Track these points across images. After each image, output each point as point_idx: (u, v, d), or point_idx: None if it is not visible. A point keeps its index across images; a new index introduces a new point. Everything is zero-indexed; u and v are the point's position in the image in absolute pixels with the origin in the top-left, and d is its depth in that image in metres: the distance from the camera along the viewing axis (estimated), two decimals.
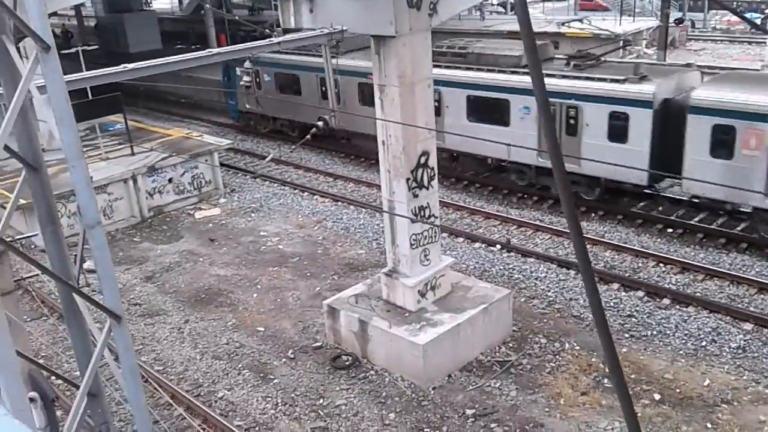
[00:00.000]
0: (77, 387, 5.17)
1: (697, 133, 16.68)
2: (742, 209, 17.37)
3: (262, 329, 15.09)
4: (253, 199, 22.79)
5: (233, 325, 15.36)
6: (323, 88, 25.63)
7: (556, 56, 21.13)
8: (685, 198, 18.64)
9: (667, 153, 17.40)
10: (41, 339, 14.84)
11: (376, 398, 12.64)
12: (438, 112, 20.41)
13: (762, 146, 15.70)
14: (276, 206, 22.04)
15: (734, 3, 48.20)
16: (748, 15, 47.02)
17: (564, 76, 18.97)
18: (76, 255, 5.52)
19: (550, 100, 15.36)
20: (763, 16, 45.34)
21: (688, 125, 16.84)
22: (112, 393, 11.60)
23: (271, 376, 13.46)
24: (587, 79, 18.66)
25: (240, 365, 13.87)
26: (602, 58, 20.07)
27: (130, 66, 8.12)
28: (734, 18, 47.38)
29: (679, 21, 42.53)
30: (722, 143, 16.35)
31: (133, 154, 22.49)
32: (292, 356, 14.03)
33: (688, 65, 21.03)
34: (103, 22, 44.44)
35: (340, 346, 14.10)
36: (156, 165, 21.94)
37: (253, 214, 21.59)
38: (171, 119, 31.75)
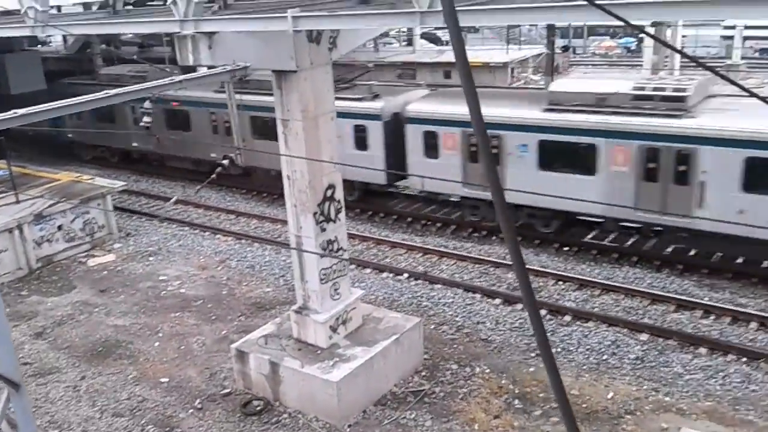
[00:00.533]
0: None
1: (413, 138, 20.74)
2: (452, 199, 21.81)
3: (166, 380, 14.41)
4: (151, 242, 21.93)
5: (134, 378, 14.58)
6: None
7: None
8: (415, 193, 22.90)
9: (398, 157, 21.04)
10: None
11: None
12: None
13: (456, 147, 19.87)
14: (175, 248, 21.30)
15: (610, 29, 51.45)
16: (623, 40, 50.32)
17: None
18: None
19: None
20: (636, 41, 48.59)
21: (406, 133, 20.78)
22: None
23: (178, 430, 12.84)
24: (337, 98, 20.85)
25: (143, 421, 13.14)
26: (354, 82, 23.92)
27: (21, 111, 7.63)
28: (611, 43, 50.51)
29: (565, 48, 44.88)
30: (431, 146, 20.33)
31: (17, 201, 21.16)
32: (199, 406, 13.44)
33: (418, 85, 25.76)
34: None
35: (251, 391, 13.66)
36: (43, 212, 20.73)
37: (151, 258, 20.75)
38: (58, 163, 30.21)
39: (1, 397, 4.88)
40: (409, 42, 48.11)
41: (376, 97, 21.88)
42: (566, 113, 17.75)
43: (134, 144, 29.36)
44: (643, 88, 17.18)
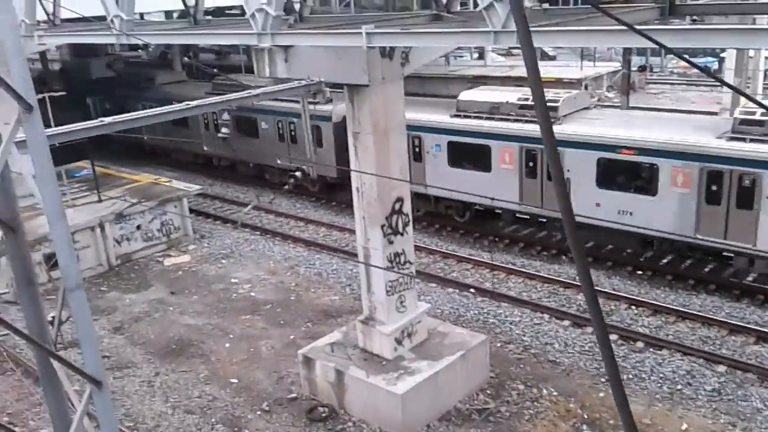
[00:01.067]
0: None
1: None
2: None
3: (236, 381, 14.74)
4: (224, 245, 22.51)
5: (205, 377, 14.97)
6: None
7: None
8: None
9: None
10: (6, 396, 14.26)
11: None
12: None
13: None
14: (247, 252, 21.79)
15: (689, 49, 49.97)
16: (703, 60, 48.77)
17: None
18: (53, 316, 5.34)
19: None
20: (716, 59, 47.01)
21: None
22: None
23: (246, 430, 13.10)
24: (311, 103, 23.63)
25: (213, 419, 13.48)
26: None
27: (107, 120, 8.04)
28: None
29: (642, 68, 43.83)
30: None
31: (100, 200, 22.12)
32: (267, 408, 13.69)
33: None
34: (69, 66, 44.11)
35: (316, 397, 13.83)
36: (124, 212, 21.59)
37: (223, 261, 21.29)
38: (139, 164, 31.37)
39: (84, 393, 5.08)
40: (481, 56, 47.97)
41: (329, 101, 21.17)
42: (467, 119, 20.51)
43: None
44: (526, 99, 19.63)
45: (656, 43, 4.12)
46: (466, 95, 21.66)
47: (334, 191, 25.46)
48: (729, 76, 26.85)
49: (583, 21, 9.34)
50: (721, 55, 41.38)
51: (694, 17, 13.10)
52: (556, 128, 17.45)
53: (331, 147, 24.32)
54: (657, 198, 17.17)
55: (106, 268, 20.97)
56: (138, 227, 21.91)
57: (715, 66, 47.83)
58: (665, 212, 17.00)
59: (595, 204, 17.92)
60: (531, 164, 19.31)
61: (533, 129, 18.44)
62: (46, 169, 4.49)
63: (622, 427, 10.77)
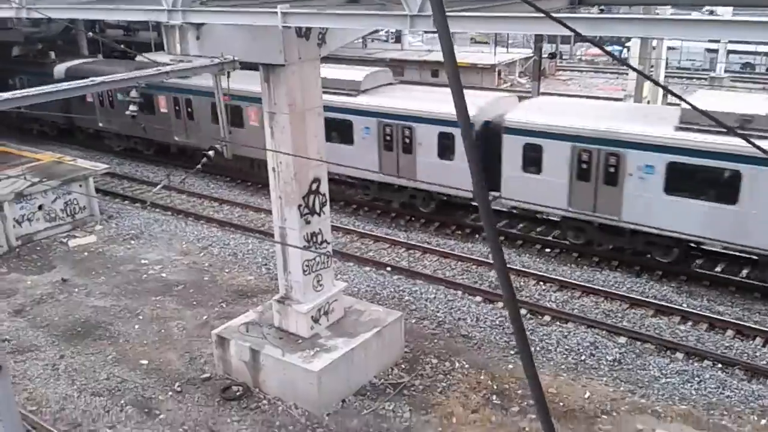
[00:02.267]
0: None
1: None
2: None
3: (146, 362, 14.37)
4: (133, 225, 21.78)
5: (114, 359, 14.52)
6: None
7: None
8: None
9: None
10: None
11: (269, 428, 12.34)
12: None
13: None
14: (158, 233, 21.17)
15: (598, 38, 51.90)
16: (611, 48, 50.76)
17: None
18: None
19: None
20: (621, 49, 49.06)
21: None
22: None
23: (157, 411, 12.82)
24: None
25: (122, 401, 13.10)
26: None
27: (5, 95, 7.58)
28: (598, 50, 50.98)
29: (553, 55, 45.17)
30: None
31: None
32: (179, 389, 13.43)
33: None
34: None
35: (231, 377, 13.67)
36: (24, 191, 20.50)
37: (132, 242, 20.62)
38: (42, 142, 29.83)
39: None
40: (398, 39, 48.19)
41: None
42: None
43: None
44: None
45: (572, 30, 4.24)
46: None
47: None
48: (633, 64, 28.12)
49: (499, 7, 9.52)
50: (626, 44, 43.22)
51: (602, 7, 13.64)
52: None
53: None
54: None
55: (6, 249, 19.91)
56: (40, 207, 20.88)
57: (623, 54, 49.95)
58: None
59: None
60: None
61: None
62: None
63: (531, 396, 11.25)
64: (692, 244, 17.53)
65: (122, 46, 30.25)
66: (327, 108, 18.74)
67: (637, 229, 17.08)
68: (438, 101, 19.82)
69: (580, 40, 53.36)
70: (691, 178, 16.13)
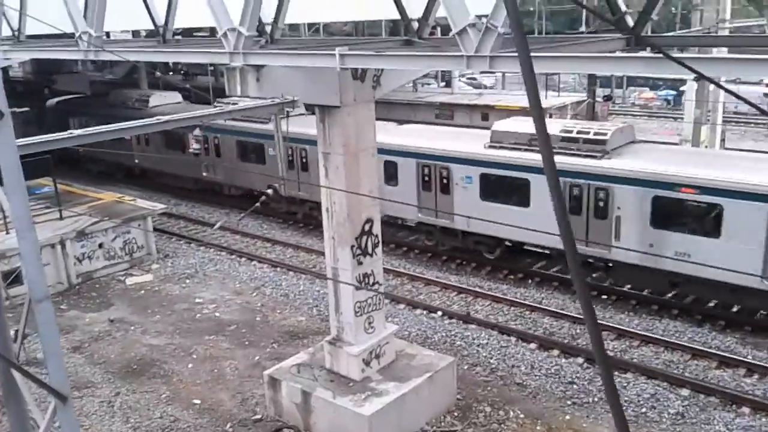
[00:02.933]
0: None
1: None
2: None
3: (199, 402, 14.42)
4: (188, 264, 22.16)
5: (167, 397, 14.63)
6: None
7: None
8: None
9: None
10: None
11: None
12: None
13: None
14: (212, 272, 21.49)
15: (650, 80, 51.34)
16: (664, 92, 50.12)
17: None
18: (17, 330, 5.16)
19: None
20: (675, 93, 48.38)
21: None
22: None
23: None
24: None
25: None
26: None
27: (77, 132, 7.89)
28: (650, 94, 50.43)
29: (608, 98, 44.72)
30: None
31: (61, 218, 21.63)
32: (230, 430, 13.42)
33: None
34: (32, 83, 43.36)
35: (281, 419, 13.60)
36: (86, 230, 21.14)
37: (187, 281, 20.95)
38: (102, 183, 30.85)
39: (48, 409, 4.91)
40: (448, 83, 48.59)
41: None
42: None
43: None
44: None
45: (693, 71, 4.10)
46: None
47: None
48: (689, 108, 27.61)
49: (586, 45, 9.44)
50: (681, 88, 42.61)
51: (656, 49, 13.47)
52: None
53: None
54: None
55: (66, 286, 20.47)
56: (100, 245, 21.48)
57: (672, 99, 49.24)
58: None
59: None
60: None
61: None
62: (16, 178, 4.37)
63: None
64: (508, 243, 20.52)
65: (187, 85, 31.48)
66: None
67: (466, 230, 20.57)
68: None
69: (633, 84, 52.89)
70: (498, 187, 19.52)
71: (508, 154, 19.21)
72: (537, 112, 3.01)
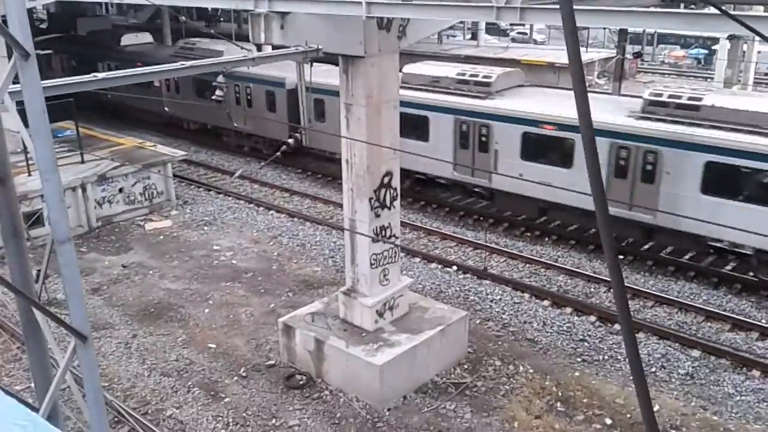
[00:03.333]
0: (34, 409, 4.90)
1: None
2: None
3: (214, 346, 14.74)
4: (206, 212, 22.37)
5: (183, 341, 14.96)
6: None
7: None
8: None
9: None
10: None
11: (330, 419, 12.46)
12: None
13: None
14: (230, 220, 21.68)
15: (682, 39, 50.08)
16: (695, 51, 48.90)
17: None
18: (38, 270, 5.26)
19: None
20: (707, 52, 47.20)
21: None
22: (68, 414, 11.11)
23: (222, 395, 13.14)
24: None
25: (190, 383, 13.50)
26: None
27: (101, 75, 7.89)
28: (681, 53, 49.24)
29: (638, 54, 43.68)
30: None
31: (83, 162, 21.84)
32: (244, 374, 13.73)
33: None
34: (55, 23, 43.30)
35: (294, 365, 13.88)
36: (106, 174, 21.35)
37: (205, 228, 21.18)
38: (124, 128, 30.98)
39: (68, 347, 5.04)
40: (473, 36, 47.74)
41: None
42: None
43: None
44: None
45: (752, 30, 3.95)
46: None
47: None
48: (720, 67, 27.00)
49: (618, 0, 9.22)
50: (713, 47, 41.56)
51: (692, 5, 13.08)
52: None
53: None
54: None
55: (86, 229, 20.79)
56: (120, 190, 21.71)
57: (702, 58, 48.07)
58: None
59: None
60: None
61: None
62: (41, 120, 4.40)
63: (597, 405, 10.92)
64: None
65: (212, 32, 31.25)
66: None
67: None
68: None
69: (664, 41, 51.58)
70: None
71: (412, 93, 20.57)
72: (576, 66, 2.94)
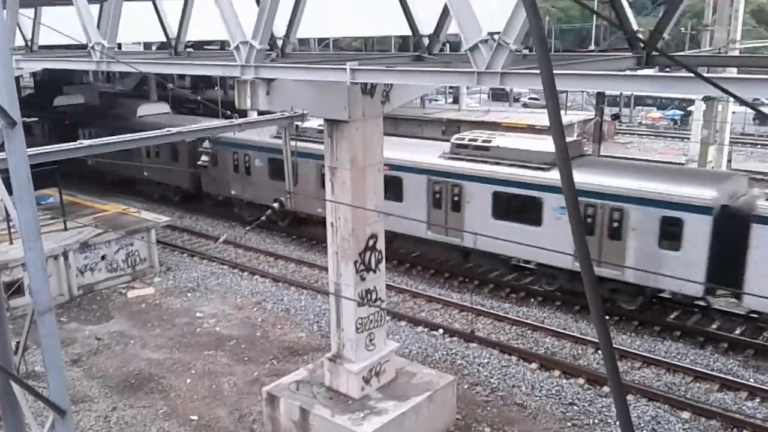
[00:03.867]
0: None
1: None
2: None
3: (196, 418, 14.35)
4: (190, 278, 22.16)
5: (164, 413, 14.55)
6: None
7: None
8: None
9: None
10: None
11: None
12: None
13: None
14: (214, 286, 21.47)
15: (658, 100, 51.48)
16: (671, 112, 50.21)
17: None
18: (17, 342, 5.15)
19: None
20: (682, 113, 48.49)
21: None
22: None
23: None
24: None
25: None
26: None
27: (86, 143, 7.92)
28: (657, 114, 50.54)
29: (615, 116, 44.77)
30: None
31: (65, 229, 21.67)
32: None
33: None
34: (42, 93, 43.71)
35: None
36: (89, 241, 21.17)
37: (189, 294, 20.93)
38: (108, 194, 30.94)
39: (47, 423, 4.90)
40: (455, 100, 48.76)
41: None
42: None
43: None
44: None
45: (726, 92, 4.01)
46: None
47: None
48: (697, 128, 27.66)
49: (595, 64, 9.46)
50: (689, 108, 42.68)
51: (666, 68, 13.49)
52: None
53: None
54: None
55: (67, 298, 20.45)
56: (103, 257, 21.49)
57: (679, 119, 49.32)
58: None
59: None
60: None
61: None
62: (26, 188, 4.38)
63: None
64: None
65: (199, 97, 31.63)
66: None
67: None
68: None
69: (640, 103, 52.97)
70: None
71: None
72: (557, 129, 2.96)
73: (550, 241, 16.84)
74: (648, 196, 16.98)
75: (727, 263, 16.06)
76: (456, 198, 20.58)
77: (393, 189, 20.59)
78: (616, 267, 17.17)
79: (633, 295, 18.08)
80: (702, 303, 17.87)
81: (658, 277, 16.45)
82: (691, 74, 6.99)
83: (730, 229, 16.11)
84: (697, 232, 16.27)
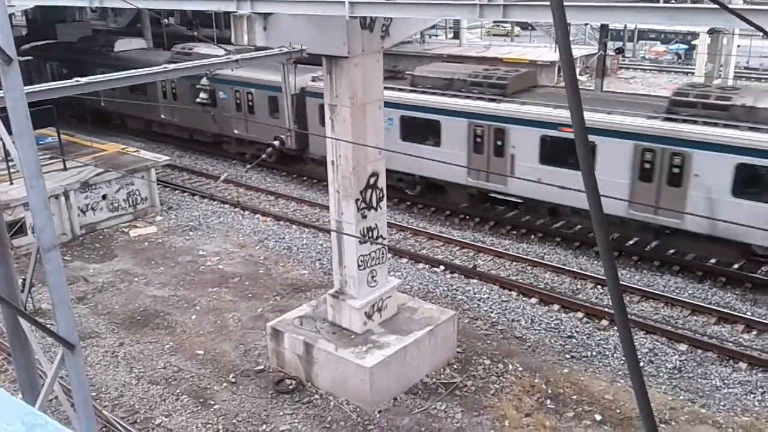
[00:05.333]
0: None
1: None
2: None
3: (202, 352, 14.64)
4: (192, 217, 22.23)
5: (171, 348, 14.84)
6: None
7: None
8: None
9: None
10: None
11: (321, 423, 12.42)
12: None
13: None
14: (215, 225, 21.56)
15: (662, 35, 50.48)
16: (675, 46, 49.30)
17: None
18: (23, 280, 5.19)
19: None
20: (686, 47, 47.62)
21: None
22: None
23: (212, 402, 13.05)
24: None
25: (178, 390, 13.39)
26: None
27: (83, 80, 7.80)
28: (661, 48, 49.66)
29: (620, 50, 43.94)
30: None
31: (65, 168, 21.62)
32: (233, 380, 13.65)
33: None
34: (35, 29, 42.94)
35: (284, 370, 13.82)
36: (89, 181, 21.15)
37: (191, 233, 21.04)
38: (106, 134, 30.73)
39: (56, 357, 4.98)
40: (456, 35, 47.84)
41: None
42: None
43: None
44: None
45: (753, 25, 3.88)
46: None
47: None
48: (701, 62, 27.24)
49: None
50: (693, 42, 41.92)
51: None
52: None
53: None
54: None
55: (70, 237, 20.58)
56: (104, 197, 21.51)
57: (683, 53, 48.46)
58: None
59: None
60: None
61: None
62: (24, 125, 4.34)
63: (586, 402, 10.90)
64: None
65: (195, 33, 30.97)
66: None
67: None
68: None
69: (644, 37, 51.98)
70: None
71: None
72: (567, 62, 2.88)
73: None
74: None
75: None
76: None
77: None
78: None
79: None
80: None
81: None
82: (697, 6, 6.84)
83: None
84: None
